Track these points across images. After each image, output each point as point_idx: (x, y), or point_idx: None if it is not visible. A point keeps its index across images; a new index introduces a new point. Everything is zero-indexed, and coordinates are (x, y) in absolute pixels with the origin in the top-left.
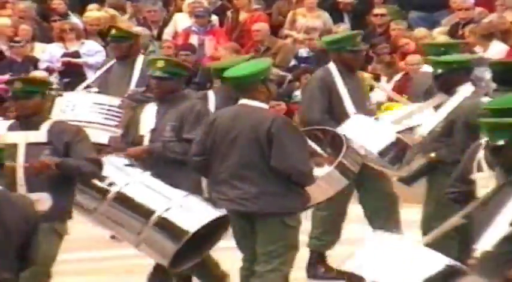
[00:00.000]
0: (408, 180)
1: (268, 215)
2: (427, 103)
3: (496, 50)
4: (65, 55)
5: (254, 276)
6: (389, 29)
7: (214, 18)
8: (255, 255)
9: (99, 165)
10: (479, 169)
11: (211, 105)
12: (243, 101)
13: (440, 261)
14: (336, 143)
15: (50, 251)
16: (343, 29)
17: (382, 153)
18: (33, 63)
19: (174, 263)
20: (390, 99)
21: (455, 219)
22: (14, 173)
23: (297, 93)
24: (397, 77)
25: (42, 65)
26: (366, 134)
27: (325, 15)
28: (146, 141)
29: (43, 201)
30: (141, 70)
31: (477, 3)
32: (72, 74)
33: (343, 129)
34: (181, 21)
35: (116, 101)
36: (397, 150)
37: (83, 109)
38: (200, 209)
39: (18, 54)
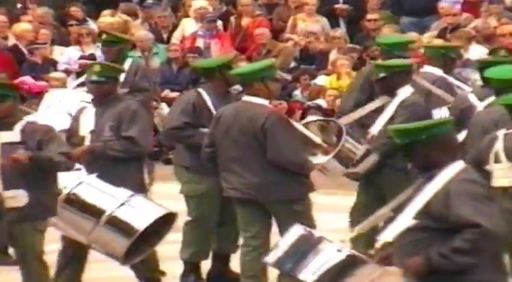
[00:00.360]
0: (360, 177)
1: (276, 202)
2: (369, 105)
3: (476, 53)
4: (81, 57)
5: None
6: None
7: (219, 23)
8: (258, 235)
9: (70, 158)
10: (497, 160)
11: (207, 100)
12: (245, 98)
13: (341, 252)
14: (340, 134)
15: (36, 247)
16: (341, 33)
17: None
18: (52, 64)
19: (125, 258)
20: None
21: (383, 212)
22: None
23: (297, 93)
24: None
25: (61, 66)
26: None
27: (324, 20)
28: (87, 142)
29: (19, 198)
30: (126, 73)
31: (464, 10)
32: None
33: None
34: (188, 26)
35: None
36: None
37: (69, 104)
38: (147, 207)
39: (39, 56)
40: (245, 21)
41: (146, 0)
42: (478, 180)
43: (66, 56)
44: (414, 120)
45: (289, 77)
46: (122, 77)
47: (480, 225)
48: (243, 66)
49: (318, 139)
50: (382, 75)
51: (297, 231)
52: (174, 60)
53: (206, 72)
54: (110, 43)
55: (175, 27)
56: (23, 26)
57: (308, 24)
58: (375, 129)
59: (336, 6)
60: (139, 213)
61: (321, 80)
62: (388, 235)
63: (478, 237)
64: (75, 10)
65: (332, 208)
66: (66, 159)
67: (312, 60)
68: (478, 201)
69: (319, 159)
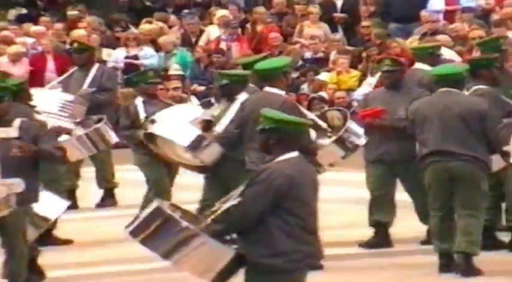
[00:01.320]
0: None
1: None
2: (222, 107)
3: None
4: (126, 57)
5: None
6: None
7: (238, 29)
8: None
9: (64, 151)
10: None
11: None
12: (266, 89)
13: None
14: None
15: (23, 228)
16: (340, 37)
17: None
18: (102, 63)
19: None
20: None
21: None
22: None
23: (304, 87)
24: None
25: (109, 65)
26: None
27: (326, 27)
28: None
29: (17, 185)
30: (94, 75)
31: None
32: (132, 72)
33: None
34: (213, 31)
35: (71, 97)
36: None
37: (47, 102)
38: (54, 200)
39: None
40: (259, 27)
41: (182, 11)
42: (283, 173)
43: (114, 56)
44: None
45: (297, 73)
46: (89, 79)
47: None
48: (268, 62)
49: (323, 124)
50: (224, 82)
51: (154, 204)
52: (201, 60)
53: (271, 74)
54: (80, 50)
55: (201, 32)
56: (79, 32)
57: (312, 30)
58: (219, 127)
59: (335, 14)
60: (48, 205)
61: (323, 76)
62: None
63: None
64: (120, 18)
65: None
66: (61, 153)
67: (316, 59)
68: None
69: (323, 141)
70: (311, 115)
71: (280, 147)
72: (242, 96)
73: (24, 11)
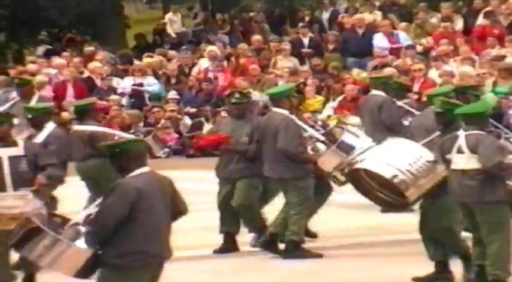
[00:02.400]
0: None
1: (285, 180)
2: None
3: None
4: (133, 85)
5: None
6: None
7: (223, 62)
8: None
9: (56, 166)
10: (459, 152)
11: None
12: (273, 109)
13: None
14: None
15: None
16: (307, 69)
17: None
18: (113, 90)
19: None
20: (335, 113)
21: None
22: (2, 178)
23: None
24: (339, 98)
25: (119, 91)
26: None
27: (295, 60)
28: None
29: (28, 195)
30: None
31: (390, 53)
32: (136, 97)
33: None
34: (203, 63)
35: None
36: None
37: None
38: None
39: (105, 85)
40: (242, 60)
41: (178, 47)
42: (133, 186)
43: (123, 84)
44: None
45: None
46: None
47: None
48: (275, 88)
49: (321, 137)
50: (30, 116)
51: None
52: (193, 87)
53: (276, 97)
54: (21, 84)
55: (193, 64)
56: (94, 64)
57: (284, 63)
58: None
59: (303, 50)
60: None
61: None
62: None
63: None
64: (127, 53)
65: None
66: (55, 169)
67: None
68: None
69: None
70: (311, 130)
71: (129, 166)
72: (50, 126)
73: (49, 47)
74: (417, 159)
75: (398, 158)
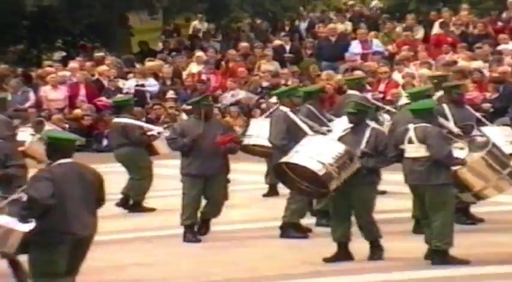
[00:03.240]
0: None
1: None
2: None
3: None
4: (136, 85)
5: None
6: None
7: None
8: None
9: (25, 168)
10: (410, 142)
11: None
12: (279, 107)
13: None
14: None
15: None
16: (287, 72)
17: None
18: (119, 90)
19: None
20: None
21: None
22: None
23: (263, 106)
24: None
25: (124, 91)
26: None
27: (276, 64)
28: None
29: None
30: None
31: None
32: (139, 96)
33: None
34: (195, 67)
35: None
36: None
37: None
38: None
39: (112, 85)
40: (231, 64)
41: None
42: (52, 172)
43: (128, 85)
44: None
45: (256, 97)
46: None
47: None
48: (280, 89)
49: (309, 131)
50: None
51: None
52: (189, 87)
53: (280, 97)
54: None
55: (187, 67)
56: (103, 68)
57: (267, 66)
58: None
59: (285, 55)
60: None
61: (275, 99)
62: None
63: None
64: (130, 58)
65: None
66: (21, 169)
67: (271, 87)
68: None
69: None
70: (300, 123)
71: (55, 156)
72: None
73: (64, 53)
74: (339, 153)
75: (324, 153)
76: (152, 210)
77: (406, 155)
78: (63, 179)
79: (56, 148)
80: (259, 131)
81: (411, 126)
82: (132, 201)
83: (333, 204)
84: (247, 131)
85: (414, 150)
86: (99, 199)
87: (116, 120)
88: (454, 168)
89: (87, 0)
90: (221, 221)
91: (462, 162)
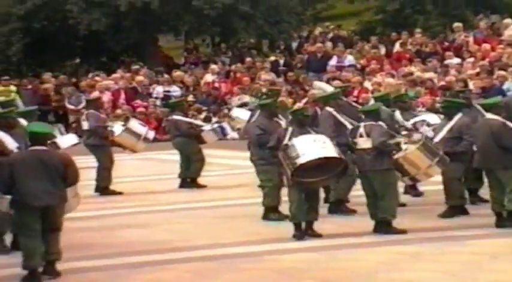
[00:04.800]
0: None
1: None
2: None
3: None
4: (164, 91)
5: None
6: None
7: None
8: None
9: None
10: (361, 136)
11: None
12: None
13: None
14: None
15: None
16: (282, 80)
17: None
18: (150, 95)
19: None
20: None
21: None
22: None
23: None
24: (304, 100)
25: (154, 95)
26: None
27: (273, 74)
28: None
29: None
30: None
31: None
32: (166, 100)
33: None
34: (210, 77)
35: None
36: None
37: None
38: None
39: (145, 91)
40: (238, 74)
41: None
42: (15, 156)
43: (157, 91)
44: None
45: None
46: None
47: None
48: (326, 93)
49: (349, 125)
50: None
51: None
52: (205, 92)
53: (326, 99)
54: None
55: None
56: (139, 78)
57: (266, 76)
58: None
59: (279, 68)
60: None
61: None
62: None
63: None
64: (159, 70)
65: None
66: None
67: (267, 93)
68: None
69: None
70: (345, 122)
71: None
72: None
73: (108, 67)
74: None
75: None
76: (204, 186)
77: (358, 146)
78: (21, 163)
79: (31, 138)
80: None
81: (362, 124)
82: (189, 179)
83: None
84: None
85: (363, 143)
86: (65, 178)
87: (173, 117)
88: (395, 157)
89: (126, 25)
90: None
91: (396, 148)
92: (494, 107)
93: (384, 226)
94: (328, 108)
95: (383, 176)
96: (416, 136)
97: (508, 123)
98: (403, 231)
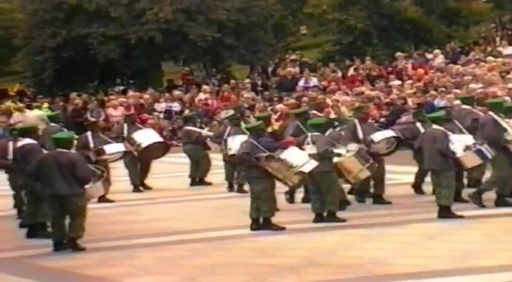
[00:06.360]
0: None
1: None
2: None
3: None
4: (166, 107)
5: None
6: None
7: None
8: None
9: None
10: (308, 144)
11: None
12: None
13: None
14: None
15: None
16: (259, 98)
17: None
18: (154, 110)
19: None
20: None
21: None
22: None
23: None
24: (278, 113)
25: (158, 110)
26: None
27: (253, 93)
28: None
29: None
30: None
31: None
32: (168, 113)
33: None
34: (203, 95)
35: None
36: None
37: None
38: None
39: (150, 107)
40: (225, 93)
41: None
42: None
43: (160, 107)
44: None
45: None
46: None
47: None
48: (354, 107)
49: (361, 135)
50: None
51: None
52: (199, 108)
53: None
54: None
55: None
56: (145, 96)
57: (247, 95)
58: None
59: (257, 88)
60: None
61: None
62: None
63: None
64: (162, 90)
65: None
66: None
67: (249, 107)
68: None
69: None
70: (360, 132)
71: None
72: None
73: (121, 87)
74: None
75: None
76: (210, 184)
77: (306, 152)
78: (44, 162)
79: (54, 143)
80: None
81: (309, 134)
82: (198, 179)
83: None
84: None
85: (310, 149)
86: (75, 175)
87: (185, 128)
88: (335, 161)
89: (135, 55)
90: None
91: (338, 155)
92: (437, 119)
93: (329, 216)
94: (355, 120)
95: (326, 177)
96: (351, 146)
97: (448, 133)
98: (343, 220)
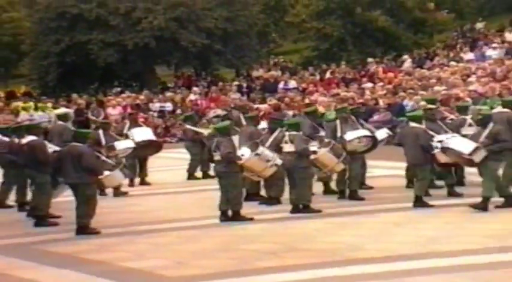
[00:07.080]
0: None
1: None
2: None
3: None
4: (160, 107)
5: None
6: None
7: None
8: None
9: None
10: (286, 143)
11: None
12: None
13: None
14: None
15: None
16: (245, 99)
17: None
18: (149, 109)
19: None
20: None
21: None
22: None
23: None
24: (261, 113)
25: (153, 109)
26: None
27: (239, 94)
28: None
29: None
30: None
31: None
32: (161, 113)
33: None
34: (193, 96)
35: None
36: None
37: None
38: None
39: (145, 106)
40: (213, 94)
41: (180, 88)
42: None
43: (154, 107)
44: None
45: (224, 112)
46: None
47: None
48: (352, 107)
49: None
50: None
51: None
52: (189, 107)
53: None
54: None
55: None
56: (141, 97)
57: (234, 96)
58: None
59: (243, 90)
60: None
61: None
62: None
63: None
64: (156, 91)
65: None
66: None
67: (236, 107)
68: None
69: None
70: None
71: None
72: None
73: (119, 89)
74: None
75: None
76: (199, 178)
77: (284, 150)
78: (61, 154)
79: (74, 136)
80: None
81: (287, 133)
82: (202, 172)
83: None
84: None
85: (288, 147)
86: (81, 166)
87: (186, 126)
88: (311, 158)
89: (132, 59)
90: None
91: (314, 153)
92: (417, 118)
93: (304, 207)
94: (308, 120)
95: (302, 172)
96: (326, 141)
97: (428, 130)
98: (318, 211)
